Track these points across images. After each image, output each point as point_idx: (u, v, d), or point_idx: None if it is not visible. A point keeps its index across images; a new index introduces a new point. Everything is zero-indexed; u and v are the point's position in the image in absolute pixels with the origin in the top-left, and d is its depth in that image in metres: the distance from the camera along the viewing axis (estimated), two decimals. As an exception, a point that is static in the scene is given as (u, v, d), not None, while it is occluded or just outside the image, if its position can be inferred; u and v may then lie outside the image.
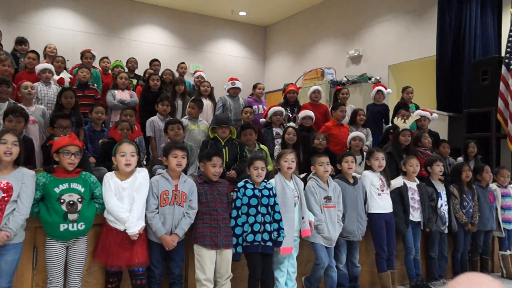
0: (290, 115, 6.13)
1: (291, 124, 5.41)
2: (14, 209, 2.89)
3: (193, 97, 5.98)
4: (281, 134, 5.29)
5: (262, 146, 5.04)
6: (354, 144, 5.22)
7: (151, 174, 4.00)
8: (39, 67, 5.63)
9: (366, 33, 9.62)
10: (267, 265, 3.71)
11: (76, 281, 3.14)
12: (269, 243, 3.65)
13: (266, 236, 3.64)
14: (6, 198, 2.85)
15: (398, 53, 8.84)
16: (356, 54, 9.65)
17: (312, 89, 6.45)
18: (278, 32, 12.16)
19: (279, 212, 3.77)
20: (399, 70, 8.99)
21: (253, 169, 3.76)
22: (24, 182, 2.95)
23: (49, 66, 5.72)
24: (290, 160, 3.94)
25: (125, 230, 3.20)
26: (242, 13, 11.47)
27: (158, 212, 3.39)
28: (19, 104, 4.64)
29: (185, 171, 4.24)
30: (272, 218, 3.73)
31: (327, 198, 4.08)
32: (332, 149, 5.30)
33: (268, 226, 3.67)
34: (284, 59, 11.86)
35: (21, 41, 6.59)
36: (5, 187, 2.87)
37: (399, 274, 4.74)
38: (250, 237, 3.61)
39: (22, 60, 6.26)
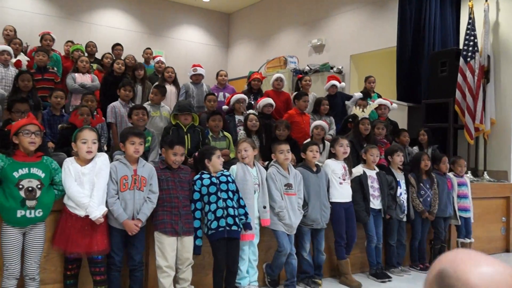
0: (253, 103, 6.15)
1: (251, 111, 5.44)
2: None
3: (156, 83, 5.91)
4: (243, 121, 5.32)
5: (225, 133, 5.05)
6: (316, 133, 5.27)
7: (112, 160, 3.95)
8: (-4, 49, 5.42)
9: (328, 23, 9.73)
10: (233, 253, 3.71)
11: (33, 268, 3.08)
12: (234, 227, 3.65)
13: (230, 220, 3.63)
14: None
15: (359, 43, 8.99)
16: (318, 43, 9.75)
17: (274, 76, 6.48)
18: (242, 19, 12.11)
19: (242, 198, 3.80)
20: (361, 60, 9.16)
21: (216, 159, 3.76)
22: None
23: (8, 48, 5.52)
24: (243, 149, 3.97)
25: (86, 216, 3.15)
26: (206, 0, 11.36)
27: (118, 198, 3.36)
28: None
29: (146, 157, 4.22)
30: (237, 203, 3.76)
31: (288, 186, 4.11)
32: (294, 137, 5.37)
33: (231, 210, 3.65)
34: (247, 46, 11.84)
35: (-26, 22, 6.31)
36: (-41, 172, 2.78)
37: (358, 262, 4.88)
38: (214, 224, 3.60)
39: (-23, 42, 6.00)
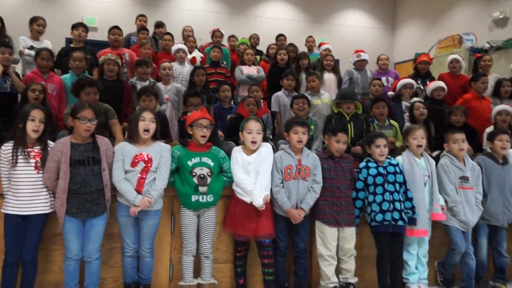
0: (421, 87, 5.70)
1: (416, 98, 5.03)
2: (154, 178, 3.18)
3: (310, 71, 5.89)
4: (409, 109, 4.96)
5: (392, 121, 4.79)
6: (500, 119, 4.60)
7: (276, 148, 4.07)
8: (174, 48, 6.01)
9: (514, -9, 8.46)
10: (397, 247, 3.58)
11: (207, 247, 3.38)
12: (400, 222, 3.50)
13: (396, 214, 3.51)
14: (147, 168, 3.16)
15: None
16: (501, 16, 8.56)
17: (450, 58, 5.90)
18: (410, -2, 11.33)
19: (409, 190, 3.60)
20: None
21: (374, 148, 3.62)
22: (163, 155, 3.23)
23: (183, 46, 6.06)
24: (419, 137, 3.71)
25: (251, 202, 3.31)
26: (371, -19, 10.92)
27: (283, 186, 3.44)
28: (157, 83, 5.03)
29: (309, 145, 4.24)
30: (404, 195, 3.59)
31: (463, 178, 3.75)
32: (472, 123, 4.80)
33: (398, 204, 3.52)
34: (416, 26, 11.02)
35: (159, 25, 7.11)
36: (146, 159, 3.17)
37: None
38: (379, 217, 3.52)
39: (160, 41, 6.74)
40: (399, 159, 3.74)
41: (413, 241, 3.66)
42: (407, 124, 4.79)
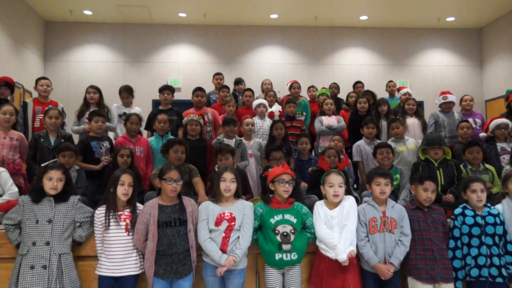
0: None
1: None
2: (238, 237, 3.19)
3: (392, 117, 5.72)
4: (508, 149, 4.60)
5: (487, 165, 4.46)
6: None
7: (361, 199, 3.95)
8: (255, 103, 6.19)
9: None
10: None
11: (294, 307, 3.26)
12: (499, 279, 3.22)
13: (494, 271, 3.24)
14: (230, 227, 3.18)
15: None
16: None
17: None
18: (496, 32, 10.75)
19: (510, 242, 3.31)
20: None
21: (470, 193, 3.39)
22: (245, 213, 3.25)
23: (263, 101, 6.22)
24: None
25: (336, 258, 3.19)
26: (450, 19, 10.57)
27: (368, 240, 3.31)
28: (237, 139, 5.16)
29: (396, 195, 4.06)
30: (503, 249, 3.30)
31: None
32: None
33: (496, 260, 3.24)
34: (506, 61, 10.39)
35: (238, 81, 7.39)
36: (229, 218, 3.20)
37: None
38: (474, 272, 3.27)
39: (240, 97, 6.97)
40: (498, 207, 3.46)
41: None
42: (507, 167, 4.44)
